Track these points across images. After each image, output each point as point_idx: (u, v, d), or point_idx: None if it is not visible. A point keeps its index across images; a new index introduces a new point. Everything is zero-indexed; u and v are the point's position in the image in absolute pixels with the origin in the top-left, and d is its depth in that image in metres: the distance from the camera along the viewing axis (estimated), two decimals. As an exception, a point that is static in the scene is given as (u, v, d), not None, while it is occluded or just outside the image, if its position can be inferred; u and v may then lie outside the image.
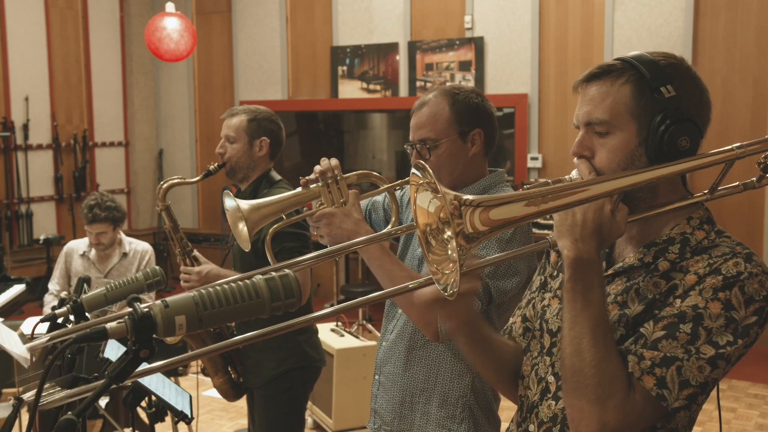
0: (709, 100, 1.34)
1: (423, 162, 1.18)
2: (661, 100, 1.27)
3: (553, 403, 1.36)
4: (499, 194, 1.19)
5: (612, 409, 1.20)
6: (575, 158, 1.35)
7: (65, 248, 4.12)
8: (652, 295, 1.27)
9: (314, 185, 1.97)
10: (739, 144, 1.30)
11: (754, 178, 1.37)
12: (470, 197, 1.15)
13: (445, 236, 1.18)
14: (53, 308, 1.72)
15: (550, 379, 1.38)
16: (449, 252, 1.18)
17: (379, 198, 2.29)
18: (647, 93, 1.28)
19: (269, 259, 2.03)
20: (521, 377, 1.48)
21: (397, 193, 2.25)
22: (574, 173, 1.34)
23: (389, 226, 2.10)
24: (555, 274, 1.49)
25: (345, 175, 1.98)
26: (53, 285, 4.08)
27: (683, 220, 1.32)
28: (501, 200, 1.17)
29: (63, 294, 1.78)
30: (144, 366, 1.12)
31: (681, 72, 1.31)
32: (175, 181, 2.83)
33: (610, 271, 1.35)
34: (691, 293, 1.22)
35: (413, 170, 1.21)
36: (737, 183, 1.37)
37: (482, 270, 1.31)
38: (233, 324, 2.89)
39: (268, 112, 2.97)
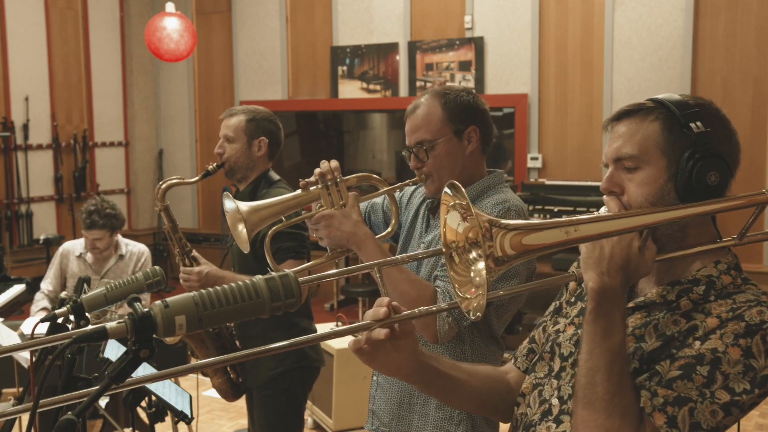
0: (739, 142, 1.34)
1: (456, 182, 1.19)
2: (691, 135, 1.28)
3: (553, 425, 1.35)
4: (535, 221, 1.20)
5: None
6: (605, 195, 1.35)
7: (61, 249, 4.12)
8: (670, 332, 1.27)
9: (314, 187, 1.97)
10: None
11: None
12: (508, 222, 1.16)
13: (471, 256, 1.18)
14: (53, 308, 1.72)
15: (554, 402, 1.37)
16: (472, 275, 1.18)
17: (379, 200, 2.29)
18: (676, 129, 1.29)
19: (268, 261, 2.03)
20: (521, 395, 1.47)
21: (396, 194, 2.26)
22: (603, 210, 1.34)
23: (389, 228, 2.11)
24: (573, 300, 1.49)
25: (345, 178, 1.99)
26: (46, 284, 4.08)
27: (710, 263, 1.32)
28: (536, 227, 1.18)
29: (63, 294, 1.79)
30: (148, 371, 1.12)
31: (710, 112, 1.32)
32: (174, 181, 2.83)
33: (630, 305, 1.35)
34: (711, 336, 1.22)
35: (446, 189, 1.22)
36: None
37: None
38: (232, 324, 2.89)
39: (266, 112, 2.97)
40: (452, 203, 1.21)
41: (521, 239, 1.15)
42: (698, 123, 1.28)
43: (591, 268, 1.25)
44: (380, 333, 1.28)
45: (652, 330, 1.29)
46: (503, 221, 1.16)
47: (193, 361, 4.22)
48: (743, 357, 1.19)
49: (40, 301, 4.00)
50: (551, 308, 1.56)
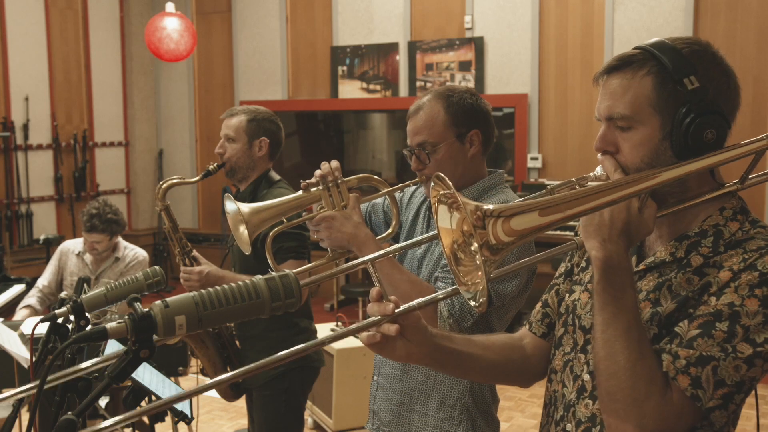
0: (737, 84, 1.29)
1: (442, 174, 1.16)
2: (684, 92, 1.23)
3: (591, 402, 1.32)
4: (520, 202, 1.16)
5: (650, 411, 1.17)
6: (599, 154, 1.31)
7: (61, 247, 4.14)
8: (685, 292, 1.23)
9: (315, 189, 1.98)
10: None
11: None
12: (491, 207, 1.12)
13: (473, 248, 1.15)
14: (51, 307, 1.72)
15: (586, 377, 1.34)
16: (478, 262, 1.14)
17: (379, 201, 2.29)
18: (669, 85, 1.24)
19: (269, 261, 2.03)
20: (553, 371, 1.45)
21: (397, 195, 2.26)
22: (598, 170, 1.30)
23: (390, 230, 2.11)
24: (585, 265, 1.45)
25: (345, 179, 1.99)
26: (42, 280, 4.09)
27: (715, 211, 1.28)
28: (521, 208, 1.14)
29: (63, 294, 1.79)
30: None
31: (705, 60, 1.26)
32: (175, 181, 2.83)
33: (641, 266, 1.31)
34: (726, 290, 1.19)
35: (432, 183, 1.19)
36: None
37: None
38: (232, 324, 2.89)
39: (267, 112, 2.97)
40: (442, 192, 1.18)
41: (510, 224, 1.11)
42: (692, 78, 1.23)
43: (592, 236, 1.22)
44: (391, 329, 1.27)
45: (666, 292, 1.26)
46: (486, 206, 1.11)
47: (193, 361, 4.22)
48: (761, 307, 1.16)
49: (28, 299, 4.01)
50: (561, 269, 1.52)
